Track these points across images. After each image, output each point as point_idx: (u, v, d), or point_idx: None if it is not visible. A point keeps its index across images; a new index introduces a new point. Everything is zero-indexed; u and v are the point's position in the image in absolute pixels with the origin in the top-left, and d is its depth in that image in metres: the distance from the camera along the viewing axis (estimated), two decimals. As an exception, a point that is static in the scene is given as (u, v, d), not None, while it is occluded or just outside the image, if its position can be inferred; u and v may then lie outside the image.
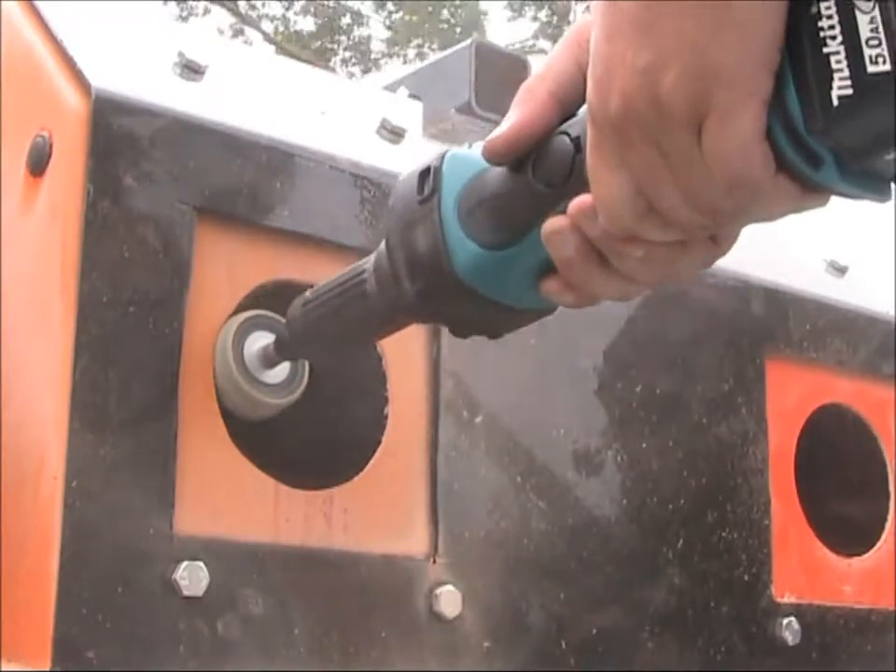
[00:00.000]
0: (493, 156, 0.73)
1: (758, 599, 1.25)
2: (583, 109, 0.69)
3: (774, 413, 1.31)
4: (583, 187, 0.66)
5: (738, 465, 1.26)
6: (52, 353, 0.92)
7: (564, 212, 0.69)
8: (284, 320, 0.97)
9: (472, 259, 0.75)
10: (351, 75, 13.24)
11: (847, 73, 0.54)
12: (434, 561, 1.04)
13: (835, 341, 1.37)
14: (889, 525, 1.39)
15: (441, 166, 0.77)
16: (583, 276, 0.70)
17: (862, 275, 1.49)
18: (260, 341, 0.99)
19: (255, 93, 1.14)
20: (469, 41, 1.49)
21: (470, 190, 0.76)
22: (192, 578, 0.90)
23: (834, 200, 0.63)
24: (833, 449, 1.43)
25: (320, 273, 1.04)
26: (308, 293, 0.93)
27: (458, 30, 13.24)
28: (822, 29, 0.55)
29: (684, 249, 0.67)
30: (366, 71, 13.59)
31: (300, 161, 1.03)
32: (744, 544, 1.25)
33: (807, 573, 1.31)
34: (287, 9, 13.68)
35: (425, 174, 0.78)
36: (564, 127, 0.70)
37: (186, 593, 0.90)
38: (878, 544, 1.39)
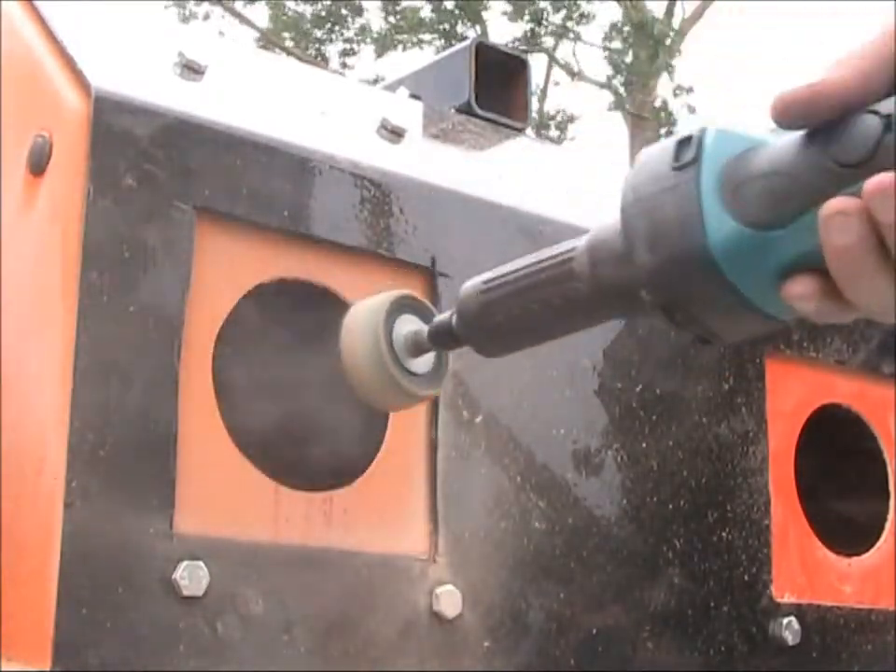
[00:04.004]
0: (783, 115, 0.65)
1: (758, 599, 1.25)
2: None
3: (774, 413, 1.31)
4: (884, 170, 0.60)
5: (738, 465, 1.26)
6: (52, 353, 0.92)
7: (852, 195, 0.61)
8: (428, 304, 0.85)
9: (729, 235, 0.69)
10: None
11: None
12: (434, 561, 1.04)
13: (835, 340, 1.37)
14: (889, 524, 1.39)
15: (704, 137, 0.72)
16: (853, 274, 0.62)
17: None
18: (408, 325, 0.84)
19: (255, 93, 1.14)
20: (468, 41, 1.49)
21: (738, 165, 0.70)
22: (192, 578, 0.90)
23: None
24: (833, 449, 1.44)
25: (320, 272, 1.04)
26: (487, 274, 0.81)
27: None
28: None
29: None
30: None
31: (299, 160, 1.03)
32: (744, 544, 1.25)
33: (807, 573, 1.31)
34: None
35: (685, 142, 0.72)
36: (872, 107, 0.64)
37: (186, 593, 0.90)
38: (878, 544, 1.39)
